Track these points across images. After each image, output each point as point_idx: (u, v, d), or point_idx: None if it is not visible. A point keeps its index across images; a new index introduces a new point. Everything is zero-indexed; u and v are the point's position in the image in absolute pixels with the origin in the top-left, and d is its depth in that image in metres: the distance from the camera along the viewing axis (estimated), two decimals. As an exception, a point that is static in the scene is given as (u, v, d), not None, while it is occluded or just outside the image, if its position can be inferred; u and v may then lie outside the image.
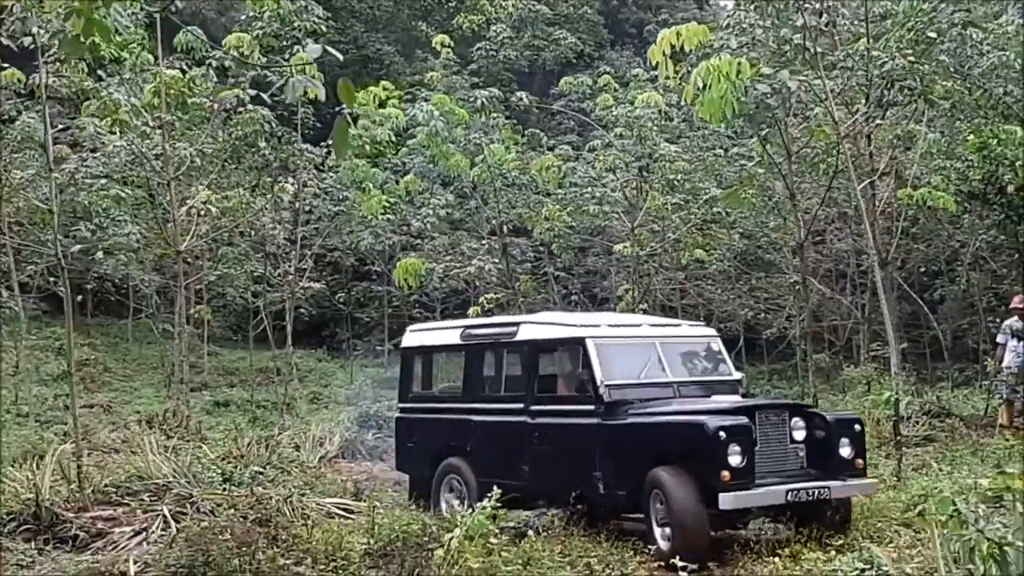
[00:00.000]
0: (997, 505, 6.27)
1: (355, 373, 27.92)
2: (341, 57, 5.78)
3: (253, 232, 20.95)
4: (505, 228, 21.27)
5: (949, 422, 14.44)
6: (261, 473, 11.79)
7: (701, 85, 9.94)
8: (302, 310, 26.47)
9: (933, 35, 13.75)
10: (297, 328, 28.97)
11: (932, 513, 5.91)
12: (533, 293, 23.49)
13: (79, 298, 28.85)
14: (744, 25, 13.30)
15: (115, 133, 16.20)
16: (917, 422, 14.44)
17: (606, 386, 9.87)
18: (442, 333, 12.72)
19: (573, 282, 26.74)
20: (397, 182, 23.47)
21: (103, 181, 18.74)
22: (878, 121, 14.02)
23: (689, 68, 11.13)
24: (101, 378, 25.51)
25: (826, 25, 14.25)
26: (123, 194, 18.82)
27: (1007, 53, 16.67)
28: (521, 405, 10.65)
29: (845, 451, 9.48)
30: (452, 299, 27.69)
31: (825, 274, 24.71)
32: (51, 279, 19.95)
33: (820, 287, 19.22)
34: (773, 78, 11.15)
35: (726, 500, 8.78)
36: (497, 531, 8.08)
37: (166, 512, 9.60)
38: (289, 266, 21.46)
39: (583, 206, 19.98)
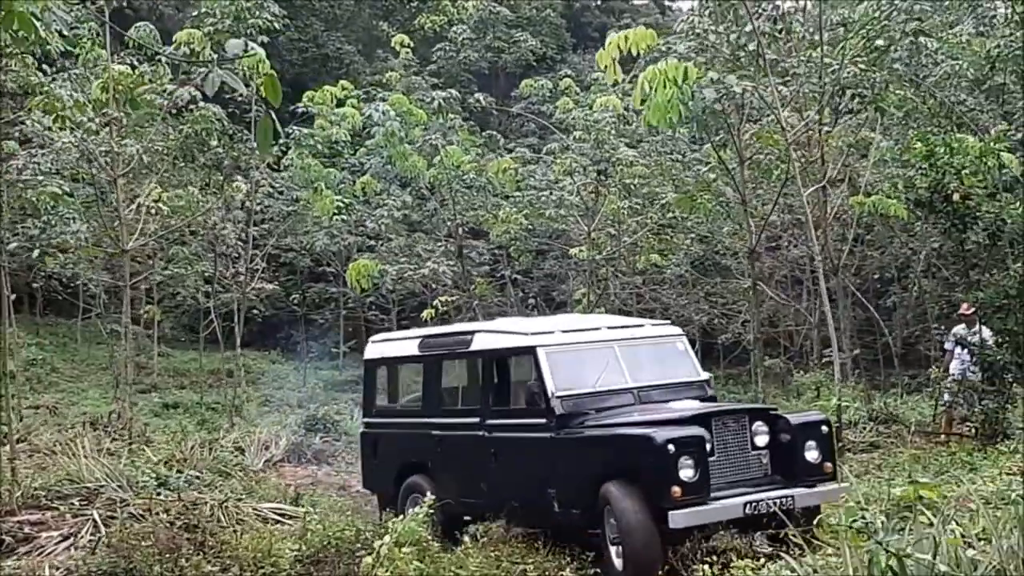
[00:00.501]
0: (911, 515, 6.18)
1: (308, 376, 27.69)
2: (263, 52, 5.64)
3: (204, 232, 20.61)
4: (461, 230, 21.12)
5: (896, 428, 14.39)
6: (198, 477, 11.57)
7: (648, 89, 9.84)
8: (255, 311, 26.17)
9: (883, 44, 13.76)
10: (252, 329, 28.76)
11: (840, 523, 5.80)
12: (490, 296, 23.35)
13: (25, 297, 28.52)
14: (698, 30, 13.22)
15: (62, 130, 15.85)
16: (864, 428, 14.43)
17: (557, 397, 9.34)
18: (402, 344, 11.96)
19: (531, 285, 26.64)
20: (354, 182, 23.28)
21: (49, 179, 18.37)
22: (827, 128, 13.97)
23: (638, 72, 11.00)
24: (48, 378, 25.18)
25: (780, 31, 14.21)
26: (64, 190, 18.42)
27: (960, 63, 16.79)
28: (477, 419, 10.14)
29: (811, 455, 9.00)
30: (409, 301, 27.52)
31: (781, 280, 24.75)
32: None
33: (771, 293, 19.17)
34: (720, 83, 11.10)
35: (677, 518, 8.26)
36: (430, 537, 7.93)
37: (96, 517, 9.38)
38: (240, 267, 21.20)
39: (539, 209, 19.87)
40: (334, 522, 9.35)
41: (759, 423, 9.07)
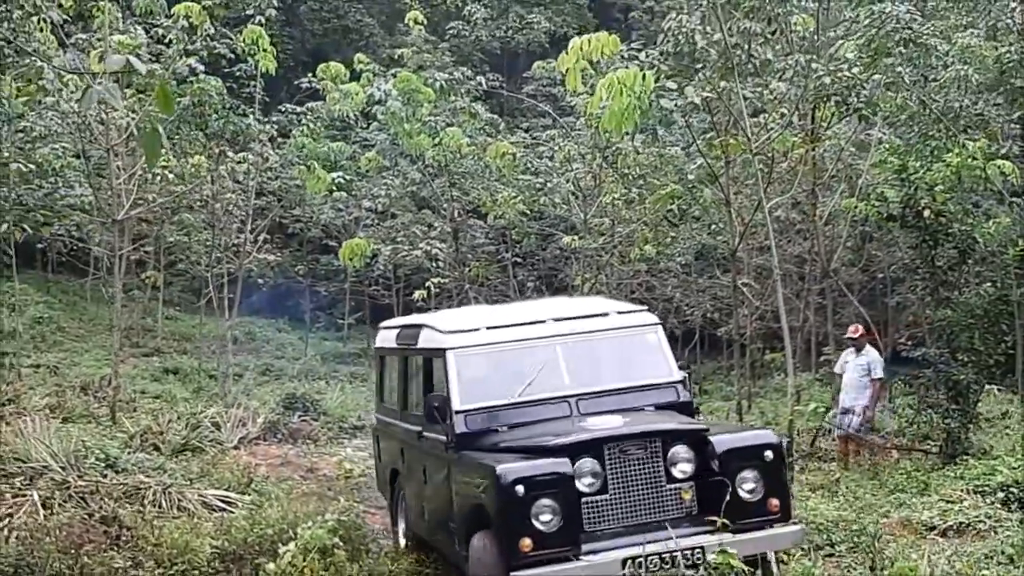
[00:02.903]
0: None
1: (312, 346, 27.87)
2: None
3: (204, 202, 20.71)
4: (457, 212, 21.07)
5: (869, 438, 14.23)
6: (149, 458, 11.66)
7: (604, 96, 9.74)
8: (263, 279, 26.37)
9: (886, 44, 13.55)
10: (260, 297, 28.97)
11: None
12: (492, 279, 23.32)
13: (38, 255, 28.84)
14: (684, 29, 13.01)
15: (39, 103, 15.96)
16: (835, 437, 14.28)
17: (459, 412, 7.85)
18: (391, 333, 10.48)
19: (534, 270, 26.58)
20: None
21: (56, 140, 18.57)
22: (806, 134, 13.78)
23: (602, 74, 10.89)
24: (53, 337, 25.38)
25: (773, 33, 13.99)
26: (69, 154, 18.62)
27: (967, 68, 16.52)
28: (419, 428, 8.79)
29: (747, 487, 7.11)
30: (414, 278, 27.55)
31: (784, 275, 24.53)
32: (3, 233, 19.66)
33: (748, 294, 18.92)
34: (679, 92, 10.96)
35: None
36: (340, 544, 7.95)
37: (36, 498, 9.46)
38: (241, 237, 21.30)
39: (535, 195, 19.79)
40: (267, 516, 9.42)
41: (680, 448, 7.27)
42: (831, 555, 8.69)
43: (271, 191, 23.59)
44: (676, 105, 11.84)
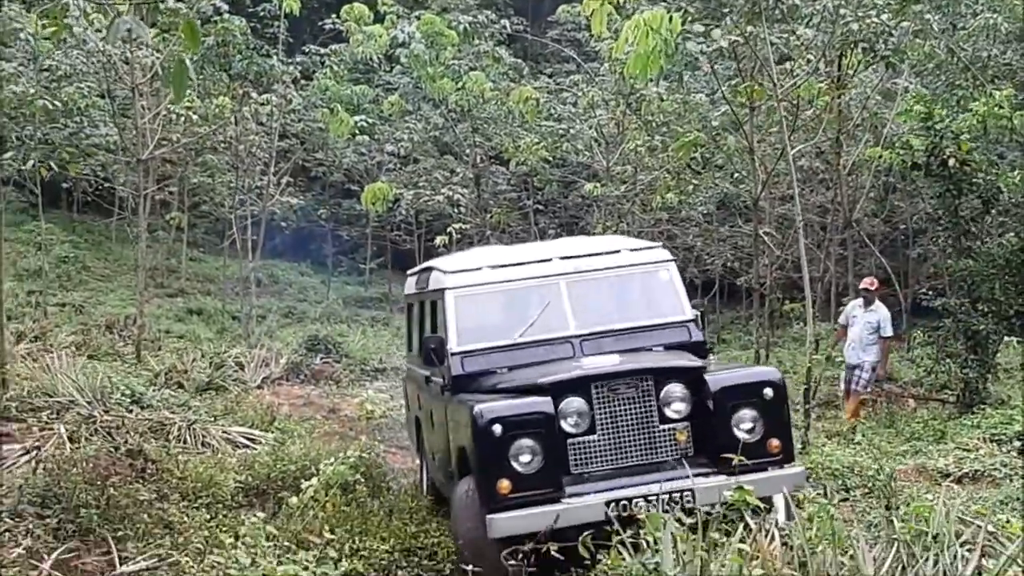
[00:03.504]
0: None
1: (333, 290, 28.02)
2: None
3: (227, 144, 20.75)
4: (479, 158, 21.04)
5: (888, 387, 14.28)
6: (173, 395, 11.83)
7: (630, 39, 9.67)
8: (286, 222, 26.48)
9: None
10: (283, 240, 29.12)
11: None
12: (508, 226, 23.32)
13: (63, 194, 28.99)
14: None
15: (61, 40, 15.97)
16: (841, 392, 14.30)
17: (456, 354, 7.63)
18: (415, 278, 10.09)
19: (554, 217, 26.56)
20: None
21: (81, 78, 18.60)
22: (814, 83, 13.62)
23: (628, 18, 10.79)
24: (79, 276, 25.65)
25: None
26: (94, 92, 18.67)
27: (996, 16, 16.35)
28: (427, 372, 8.53)
29: (745, 427, 6.78)
30: (436, 223, 27.60)
31: (806, 225, 24.46)
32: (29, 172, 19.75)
33: (769, 243, 18.83)
34: (705, 36, 10.88)
35: (496, 524, 6.38)
36: (361, 480, 8.09)
37: (63, 431, 9.62)
38: (264, 179, 21.37)
39: (558, 142, 19.72)
40: (289, 453, 9.57)
41: (674, 387, 6.96)
42: (845, 499, 8.77)
43: (294, 133, 23.61)
44: (702, 50, 11.71)
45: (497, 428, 6.49)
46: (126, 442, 8.63)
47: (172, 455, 8.87)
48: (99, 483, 7.36)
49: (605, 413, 6.87)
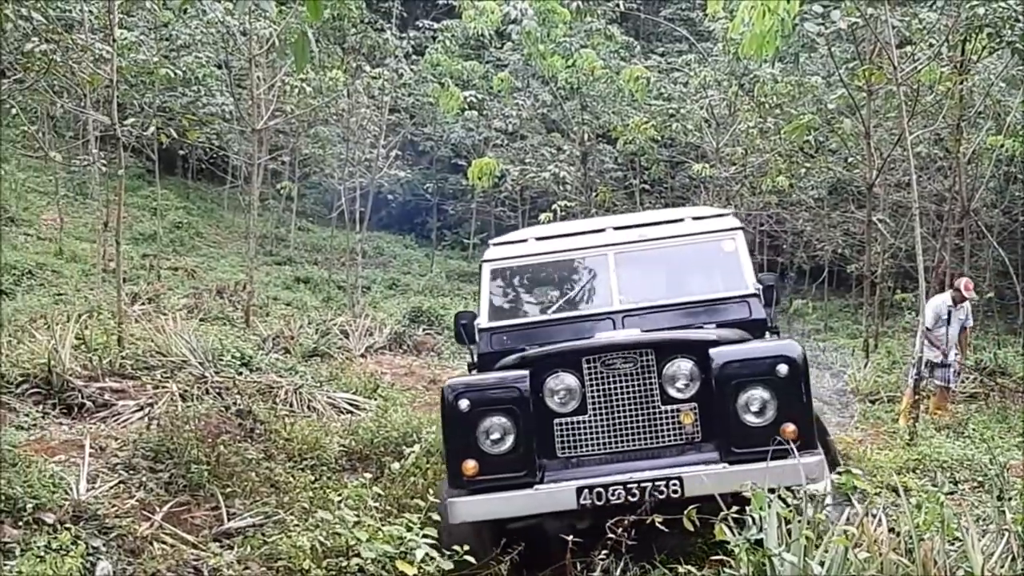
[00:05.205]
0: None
1: (436, 264, 28.25)
2: None
3: (339, 116, 21.06)
4: (587, 136, 20.97)
5: (1001, 381, 13.90)
6: (281, 360, 12.07)
7: (746, 18, 9.52)
8: (392, 195, 26.78)
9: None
10: (389, 213, 29.47)
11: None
12: (613, 205, 23.22)
13: (179, 160, 29.76)
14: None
15: (186, 9, 16.34)
16: (967, 377, 13.96)
17: (484, 330, 7.24)
18: None
19: (660, 197, 26.36)
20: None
21: (201, 48, 19.07)
22: (936, 67, 13.23)
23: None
24: (191, 242, 26.29)
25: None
26: (202, 62, 19.10)
27: None
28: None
29: (753, 409, 5.95)
30: (540, 199, 27.63)
31: (922, 213, 23.87)
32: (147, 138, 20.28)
33: (883, 230, 18.38)
34: (824, 17, 10.65)
35: (456, 508, 5.97)
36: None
37: (175, 390, 9.91)
38: (373, 152, 21.65)
39: (667, 122, 19.56)
40: (391, 420, 9.71)
41: (680, 363, 6.19)
42: (953, 492, 8.57)
43: (404, 107, 23.83)
44: (820, 31, 11.50)
45: (463, 403, 6.04)
46: (235, 403, 8.85)
47: (279, 417, 9.08)
48: (209, 441, 7.58)
49: (598, 390, 6.23)
